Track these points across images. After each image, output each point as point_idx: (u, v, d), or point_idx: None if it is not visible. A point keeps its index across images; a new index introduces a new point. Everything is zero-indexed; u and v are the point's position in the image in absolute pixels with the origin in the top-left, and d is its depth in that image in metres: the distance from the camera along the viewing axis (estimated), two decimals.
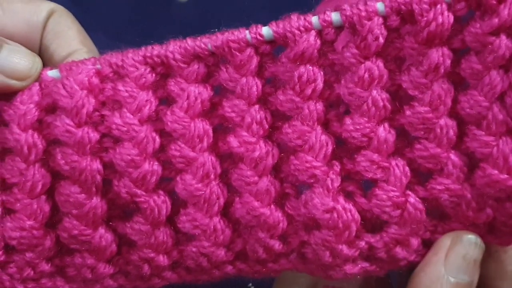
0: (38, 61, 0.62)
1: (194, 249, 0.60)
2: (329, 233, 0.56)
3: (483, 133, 0.54)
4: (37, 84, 0.61)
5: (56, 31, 0.66)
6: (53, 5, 0.66)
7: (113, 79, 0.59)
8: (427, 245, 0.58)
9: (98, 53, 0.67)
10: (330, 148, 0.56)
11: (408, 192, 0.56)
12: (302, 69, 0.55)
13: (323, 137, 0.56)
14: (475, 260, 0.56)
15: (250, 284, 0.82)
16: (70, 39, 0.66)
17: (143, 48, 0.59)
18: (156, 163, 0.58)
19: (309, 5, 0.71)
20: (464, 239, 0.56)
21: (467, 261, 0.55)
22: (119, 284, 0.63)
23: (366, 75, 0.54)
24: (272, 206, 0.58)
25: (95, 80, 0.59)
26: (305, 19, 0.56)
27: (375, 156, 0.56)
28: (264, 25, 0.57)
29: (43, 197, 0.60)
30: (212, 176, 0.58)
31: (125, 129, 0.58)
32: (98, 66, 0.59)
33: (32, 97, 0.60)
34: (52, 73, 0.61)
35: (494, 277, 0.61)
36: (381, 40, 0.54)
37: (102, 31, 0.73)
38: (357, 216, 0.56)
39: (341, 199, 0.56)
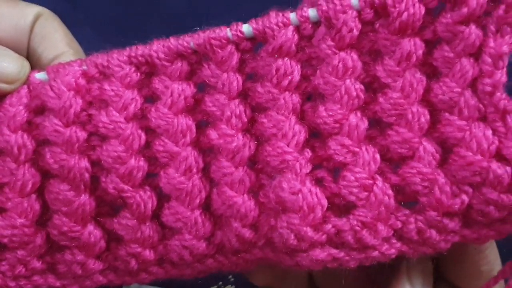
0: (26, 65, 0.64)
1: (176, 242, 0.61)
2: (294, 215, 0.57)
3: (456, 117, 0.55)
4: (25, 86, 0.62)
5: (43, 34, 0.67)
6: (39, 8, 0.68)
7: (99, 79, 0.61)
8: (400, 237, 0.58)
9: (84, 54, 0.69)
10: (302, 136, 0.58)
11: (377, 176, 0.57)
12: (279, 62, 0.57)
13: (297, 126, 0.58)
14: None
15: (230, 276, 0.84)
16: (57, 41, 0.67)
17: (127, 48, 0.61)
18: (142, 159, 0.60)
19: None
20: None
21: None
22: (109, 280, 0.64)
23: (340, 65, 0.56)
24: (245, 196, 0.59)
25: (82, 81, 0.61)
26: (283, 15, 0.58)
27: (346, 140, 0.57)
28: (251, 17, 0.59)
29: (33, 195, 0.61)
30: (195, 170, 0.60)
31: (112, 127, 0.59)
32: (85, 67, 0.61)
33: (21, 99, 0.62)
34: (39, 76, 0.63)
35: (469, 277, 0.64)
36: (355, 32, 0.56)
37: (90, 25, 0.75)
38: (323, 201, 0.57)
39: (308, 183, 0.57)
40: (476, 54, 0.54)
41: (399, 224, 0.58)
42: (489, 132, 0.54)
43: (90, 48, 0.64)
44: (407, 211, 0.58)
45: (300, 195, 0.56)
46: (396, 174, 0.57)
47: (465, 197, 0.56)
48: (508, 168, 0.54)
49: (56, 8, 0.69)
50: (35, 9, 0.68)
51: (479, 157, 0.54)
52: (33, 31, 0.67)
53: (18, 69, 0.63)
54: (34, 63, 0.67)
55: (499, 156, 0.54)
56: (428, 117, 0.56)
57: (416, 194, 0.57)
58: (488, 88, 0.54)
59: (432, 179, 0.56)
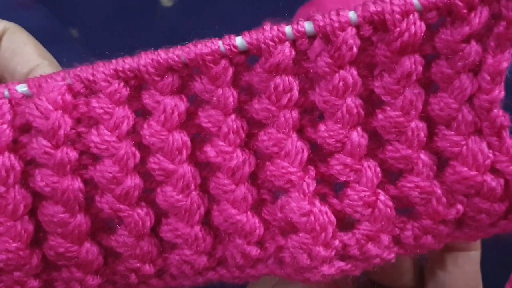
0: None
1: (177, 257, 0.61)
2: (307, 236, 0.57)
3: (453, 133, 0.56)
4: (7, 101, 0.59)
5: (12, 48, 0.64)
6: (4, 23, 0.65)
7: (86, 93, 0.59)
8: (398, 242, 0.60)
9: (58, 64, 0.66)
10: (305, 154, 0.58)
11: (379, 190, 0.58)
12: (278, 79, 0.56)
13: (299, 144, 0.57)
14: None
15: None
16: (29, 54, 0.65)
17: (113, 61, 0.58)
18: (137, 177, 0.59)
19: (291, 8, 0.70)
20: None
21: None
22: None
23: (341, 84, 0.55)
24: (249, 213, 0.59)
25: (68, 97, 0.58)
26: (278, 29, 0.55)
27: (348, 160, 0.57)
28: (245, 29, 0.57)
29: (26, 217, 0.59)
30: (193, 187, 0.59)
31: (104, 146, 0.57)
32: (68, 81, 0.58)
33: (4, 116, 0.58)
34: (21, 88, 0.59)
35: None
36: (355, 50, 0.54)
37: (80, 42, 0.71)
38: (333, 218, 0.58)
39: (317, 202, 0.58)
40: (475, 70, 0.54)
41: (397, 231, 0.60)
42: (484, 147, 0.55)
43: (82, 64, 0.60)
44: (404, 218, 0.60)
45: (312, 216, 0.57)
46: (395, 186, 0.58)
47: (460, 207, 0.57)
48: (501, 180, 0.56)
49: (46, 25, 0.65)
50: (0, 24, 0.64)
51: (474, 172, 0.55)
52: (1, 46, 0.64)
53: None
54: (8, 79, 0.64)
55: (493, 169, 0.56)
56: (426, 131, 0.56)
57: (413, 204, 0.58)
58: (486, 105, 0.54)
59: (430, 191, 0.57)
